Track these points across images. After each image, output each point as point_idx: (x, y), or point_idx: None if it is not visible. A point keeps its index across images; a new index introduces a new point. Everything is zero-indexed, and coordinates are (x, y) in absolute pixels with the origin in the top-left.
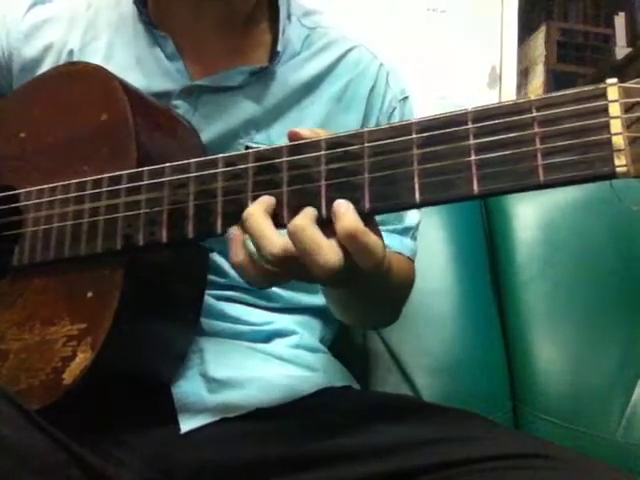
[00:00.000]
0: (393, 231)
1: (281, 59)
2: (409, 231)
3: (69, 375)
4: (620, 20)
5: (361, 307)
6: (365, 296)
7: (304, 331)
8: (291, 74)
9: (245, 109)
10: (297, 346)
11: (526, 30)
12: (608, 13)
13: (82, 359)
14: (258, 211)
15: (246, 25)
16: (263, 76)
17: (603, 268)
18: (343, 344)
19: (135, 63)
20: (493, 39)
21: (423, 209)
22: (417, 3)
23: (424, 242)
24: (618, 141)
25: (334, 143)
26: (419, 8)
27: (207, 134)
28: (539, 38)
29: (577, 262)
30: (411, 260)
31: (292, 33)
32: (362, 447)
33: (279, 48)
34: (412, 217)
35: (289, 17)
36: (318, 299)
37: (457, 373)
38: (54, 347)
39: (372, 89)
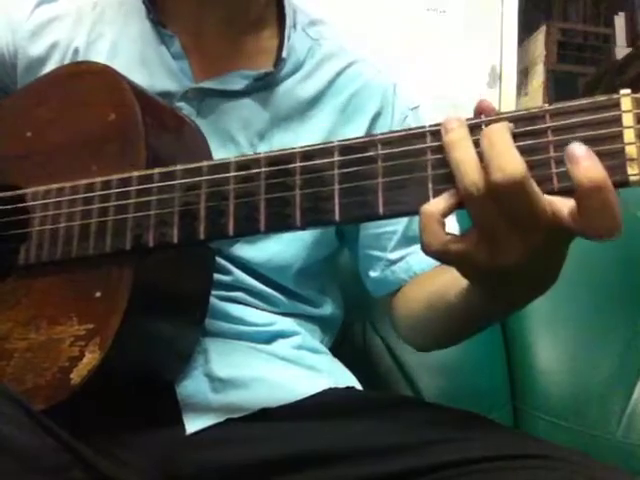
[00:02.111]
0: None
1: (285, 66)
2: None
3: (77, 375)
4: (620, 20)
5: (488, 312)
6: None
7: (305, 333)
8: (296, 86)
9: (248, 117)
10: (300, 347)
11: (526, 30)
12: (608, 13)
13: (90, 359)
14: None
15: (252, 29)
16: (267, 84)
17: (603, 268)
18: (344, 345)
19: (140, 62)
20: (493, 39)
21: None
22: (416, 3)
23: None
24: (631, 150)
25: (347, 147)
26: (418, 8)
27: (209, 140)
28: (539, 38)
29: (577, 262)
30: None
31: (297, 41)
32: (362, 447)
33: (284, 55)
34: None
35: (294, 25)
36: (320, 310)
37: (457, 373)
38: (61, 347)
39: (380, 101)
